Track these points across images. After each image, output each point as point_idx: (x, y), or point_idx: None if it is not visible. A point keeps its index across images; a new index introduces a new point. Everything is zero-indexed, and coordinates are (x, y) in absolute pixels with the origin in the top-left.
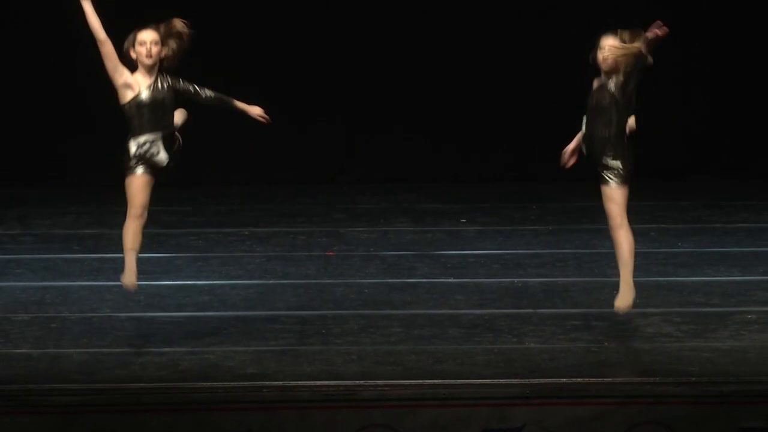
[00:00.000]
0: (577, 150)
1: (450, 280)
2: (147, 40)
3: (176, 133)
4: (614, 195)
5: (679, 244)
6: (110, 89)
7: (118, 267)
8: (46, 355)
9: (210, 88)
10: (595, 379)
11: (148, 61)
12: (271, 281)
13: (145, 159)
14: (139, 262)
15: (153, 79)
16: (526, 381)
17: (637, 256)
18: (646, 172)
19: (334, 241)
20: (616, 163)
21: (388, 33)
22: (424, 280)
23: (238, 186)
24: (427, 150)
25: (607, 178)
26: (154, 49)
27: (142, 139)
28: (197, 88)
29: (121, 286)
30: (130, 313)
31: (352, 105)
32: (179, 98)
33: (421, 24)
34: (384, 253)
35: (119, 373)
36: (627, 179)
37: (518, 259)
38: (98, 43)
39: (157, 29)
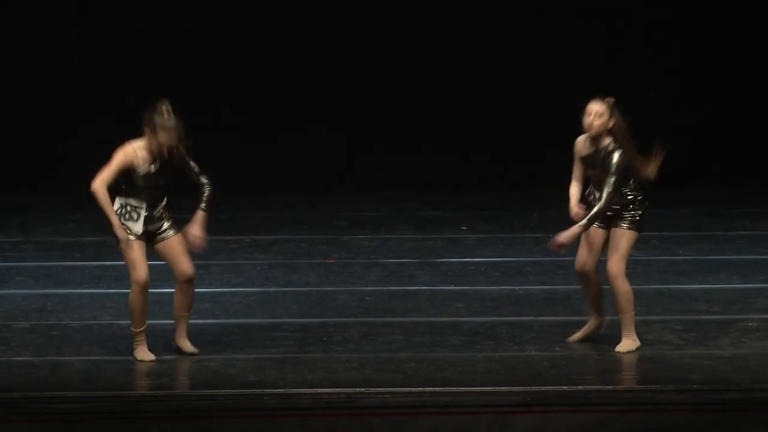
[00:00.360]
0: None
1: (451, 287)
2: (164, 144)
3: (166, 214)
4: (620, 241)
5: (680, 251)
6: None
7: (119, 275)
8: (47, 362)
9: (206, 180)
10: (597, 386)
11: (158, 155)
12: (272, 289)
13: (124, 220)
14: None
15: (154, 163)
16: (528, 389)
17: (638, 263)
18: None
19: (335, 249)
20: (633, 209)
21: (391, 39)
22: (425, 287)
23: (239, 193)
24: (428, 158)
25: (620, 221)
26: (167, 151)
27: (130, 201)
28: (198, 173)
29: (122, 294)
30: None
31: (353, 113)
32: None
33: (423, 32)
34: (385, 260)
35: (120, 380)
36: (638, 227)
37: (519, 267)
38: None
39: (179, 134)
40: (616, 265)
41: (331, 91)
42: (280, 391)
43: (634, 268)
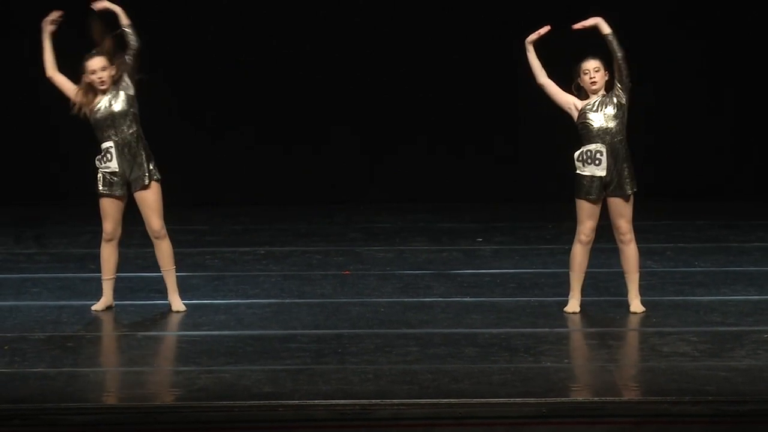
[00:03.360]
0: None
1: (466, 299)
2: (96, 68)
3: (146, 164)
4: (626, 208)
5: (696, 263)
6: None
7: (134, 286)
8: (62, 374)
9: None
10: (612, 398)
11: (103, 87)
12: (287, 300)
13: (103, 167)
14: (155, 281)
15: (108, 94)
16: (543, 400)
17: (654, 275)
18: (663, 191)
19: (350, 260)
20: (628, 174)
21: (407, 52)
22: (440, 299)
23: (254, 205)
24: (443, 170)
25: (617, 190)
26: (105, 75)
27: (102, 146)
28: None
29: (137, 305)
30: (146, 332)
31: (368, 125)
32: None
33: (435, 47)
34: (400, 272)
35: (135, 392)
36: (634, 188)
37: (534, 278)
38: (48, 78)
39: (103, 52)
40: (630, 226)
41: (349, 104)
42: (295, 402)
43: (649, 279)
